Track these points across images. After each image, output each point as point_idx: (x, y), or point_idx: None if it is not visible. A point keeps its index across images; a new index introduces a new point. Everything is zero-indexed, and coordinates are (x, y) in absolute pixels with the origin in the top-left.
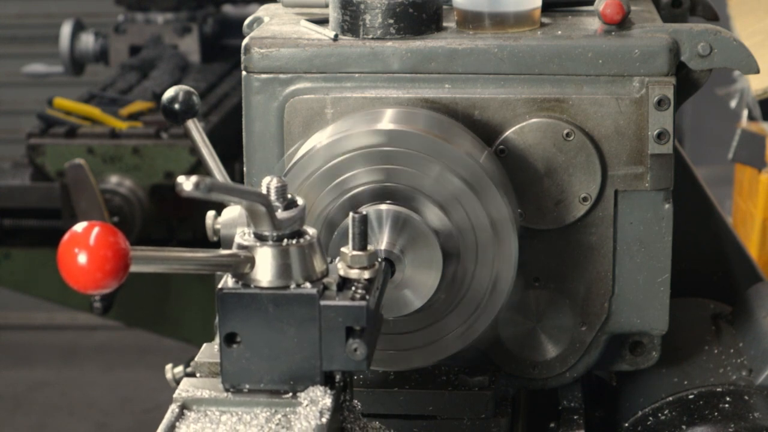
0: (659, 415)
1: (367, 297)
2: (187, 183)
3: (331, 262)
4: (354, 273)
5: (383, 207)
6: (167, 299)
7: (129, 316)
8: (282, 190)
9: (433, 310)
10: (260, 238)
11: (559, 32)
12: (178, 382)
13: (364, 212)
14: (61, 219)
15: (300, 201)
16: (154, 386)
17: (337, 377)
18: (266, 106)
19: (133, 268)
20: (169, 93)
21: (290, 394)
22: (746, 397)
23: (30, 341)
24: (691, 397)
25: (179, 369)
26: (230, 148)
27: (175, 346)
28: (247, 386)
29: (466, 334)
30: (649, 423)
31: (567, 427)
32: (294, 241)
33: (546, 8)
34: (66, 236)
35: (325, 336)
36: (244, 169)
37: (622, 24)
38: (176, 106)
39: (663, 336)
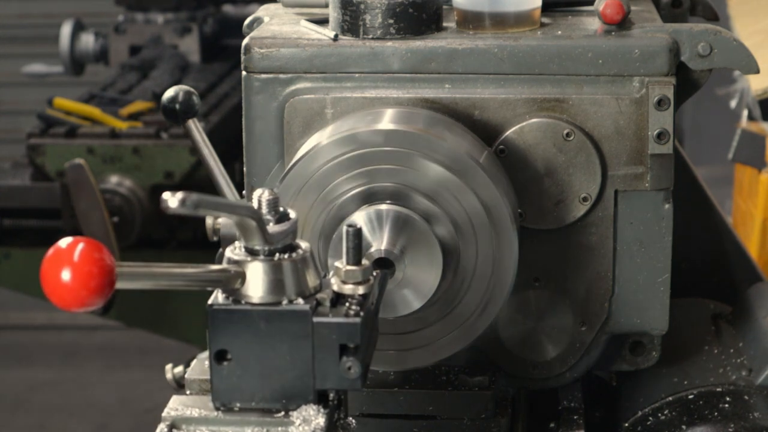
0: (659, 415)
1: (362, 313)
2: (172, 200)
3: (325, 276)
4: (348, 288)
5: (383, 207)
6: (167, 299)
7: (129, 316)
8: (273, 203)
9: (433, 309)
10: (251, 252)
11: (559, 32)
12: (178, 382)
13: (358, 225)
14: (61, 219)
15: (292, 214)
16: (154, 386)
17: (331, 395)
18: (266, 106)
19: (119, 285)
20: (169, 93)
21: (282, 412)
22: (746, 397)
23: (30, 341)
24: (691, 397)
25: (179, 369)
26: (230, 148)
27: (175, 346)
28: (238, 404)
29: (466, 333)
30: (649, 423)
31: (567, 427)
32: (286, 256)
33: (546, 8)
34: (50, 252)
35: (318, 353)
36: (244, 169)
37: (622, 24)
38: (176, 106)
39: (663, 336)
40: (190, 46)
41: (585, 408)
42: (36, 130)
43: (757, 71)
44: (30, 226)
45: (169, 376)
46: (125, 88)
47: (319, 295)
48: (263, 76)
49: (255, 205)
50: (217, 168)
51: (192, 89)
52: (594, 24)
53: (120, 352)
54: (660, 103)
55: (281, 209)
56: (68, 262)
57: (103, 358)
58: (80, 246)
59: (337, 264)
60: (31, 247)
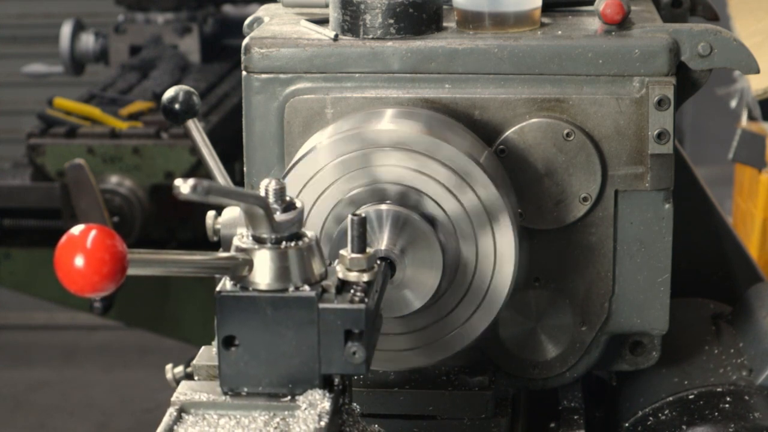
0: (659, 415)
1: (366, 300)
2: (184, 186)
3: (330, 264)
4: (353, 276)
5: (383, 207)
6: (167, 299)
7: (129, 316)
8: (280, 192)
9: (433, 310)
10: (258, 240)
11: (559, 32)
12: (178, 382)
13: (363, 214)
14: (61, 219)
15: (299, 203)
16: (154, 386)
17: (336, 380)
18: (266, 106)
19: (131, 271)
20: (169, 93)
21: (289, 397)
22: (746, 397)
23: (30, 341)
24: (691, 397)
25: (179, 369)
26: (230, 148)
27: (175, 346)
28: (246, 389)
29: (467, 333)
30: (649, 423)
31: (567, 427)
32: (292, 244)
33: (546, 8)
34: (63, 239)
35: (324, 339)
36: (244, 169)
37: (622, 24)
38: (176, 106)
39: (663, 336)
40: (190, 46)
41: (585, 408)
42: (36, 130)
43: (757, 71)
44: (30, 226)
45: (169, 376)
46: (125, 88)
47: (324, 283)
48: (263, 76)
49: (262, 194)
50: (217, 168)
51: (192, 89)
52: (594, 24)
53: (120, 352)
54: (660, 103)
55: (288, 198)
56: (81, 248)
57: (103, 358)
58: (93, 233)
59: (342, 252)
60: (31, 247)
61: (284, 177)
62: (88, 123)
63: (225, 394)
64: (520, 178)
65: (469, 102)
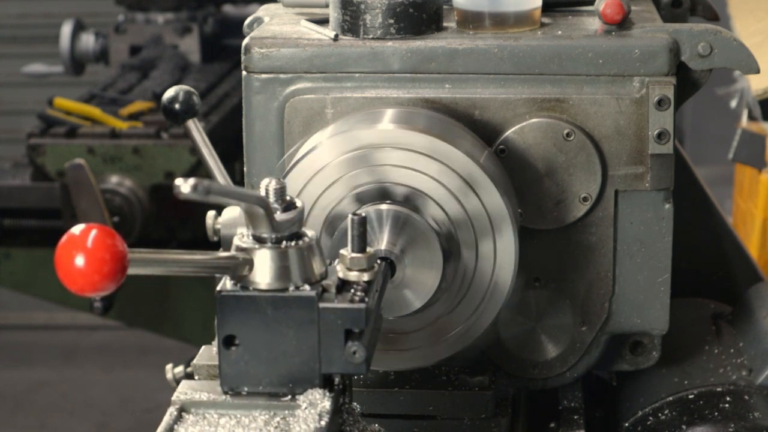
0: (659, 415)
1: (366, 299)
2: (184, 185)
3: (331, 263)
4: (353, 275)
5: (383, 207)
6: (167, 299)
7: (129, 316)
8: (281, 192)
9: (434, 310)
10: (259, 240)
11: (560, 32)
12: (178, 382)
13: (363, 214)
14: (61, 219)
15: (299, 203)
16: (154, 386)
17: (336, 380)
18: (266, 106)
19: (131, 271)
20: (170, 93)
21: (289, 396)
22: (746, 397)
23: (30, 341)
24: (691, 397)
25: (179, 369)
26: (230, 148)
27: (175, 346)
28: (246, 389)
29: (467, 333)
30: (649, 423)
31: (567, 427)
32: (293, 243)
33: (546, 8)
34: (63, 238)
35: (324, 338)
36: (245, 169)
37: (622, 24)
38: (176, 106)
39: (663, 336)
40: (190, 46)
41: (585, 408)
42: (36, 130)
43: (757, 71)
44: (30, 226)
45: (169, 376)
46: (125, 88)
47: (324, 282)
48: (263, 76)
49: (263, 193)
50: (217, 168)
51: (192, 89)
52: (594, 24)
53: (120, 352)
54: (660, 103)
55: (288, 198)
56: (82, 248)
57: (103, 358)
58: (93, 232)
59: (343, 251)
60: (31, 247)
61: (284, 177)
62: (88, 123)
63: (225, 393)
64: (520, 178)
65: (469, 102)
